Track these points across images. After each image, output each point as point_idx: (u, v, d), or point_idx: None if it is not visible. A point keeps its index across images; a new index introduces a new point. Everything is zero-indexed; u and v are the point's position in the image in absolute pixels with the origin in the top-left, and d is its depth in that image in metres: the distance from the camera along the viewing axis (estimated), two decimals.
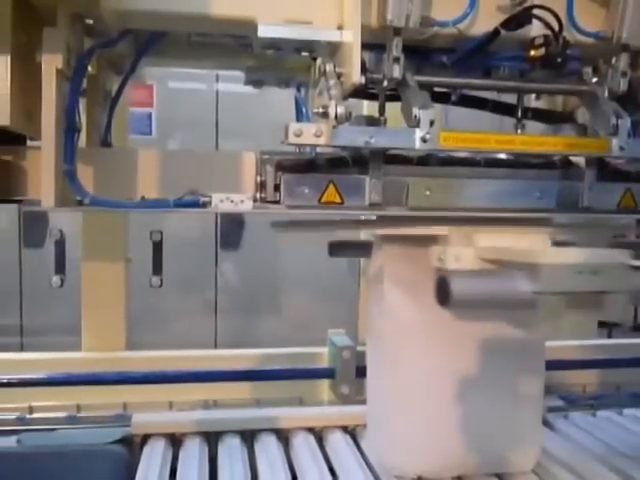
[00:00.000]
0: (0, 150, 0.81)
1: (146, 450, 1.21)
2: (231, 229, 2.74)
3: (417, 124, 0.77)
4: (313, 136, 0.75)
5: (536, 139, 0.86)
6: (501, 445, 1.03)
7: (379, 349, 1.07)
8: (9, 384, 1.56)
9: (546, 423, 1.27)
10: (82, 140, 0.87)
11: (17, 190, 0.83)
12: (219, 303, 2.81)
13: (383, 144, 0.78)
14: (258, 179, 0.86)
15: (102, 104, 0.97)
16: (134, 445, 1.23)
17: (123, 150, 1.05)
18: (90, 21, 0.81)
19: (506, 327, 0.97)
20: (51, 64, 0.75)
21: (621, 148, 0.84)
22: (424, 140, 0.76)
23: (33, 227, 2.61)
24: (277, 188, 0.85)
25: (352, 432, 1.31)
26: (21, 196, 0.83)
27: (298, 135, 0.75)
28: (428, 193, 0.87)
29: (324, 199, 0.84)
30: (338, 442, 1.26)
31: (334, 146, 0.79)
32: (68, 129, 0.78)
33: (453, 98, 0.89)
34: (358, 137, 0.77)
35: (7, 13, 0.74)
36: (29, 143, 0.87)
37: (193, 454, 1.20)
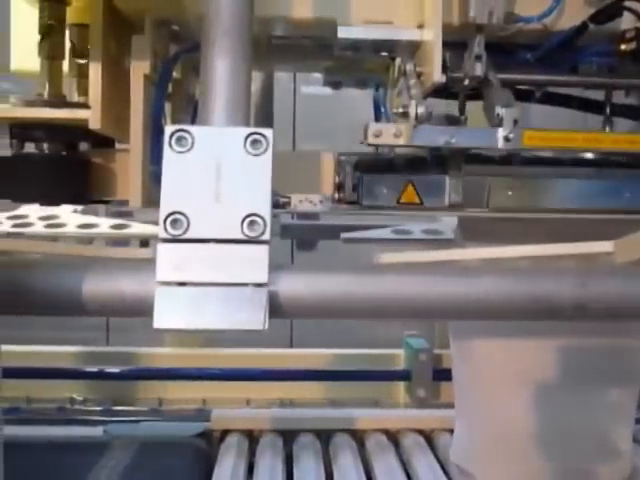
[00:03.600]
0: (92, 153, 0.85)
1: (224, 445, 1.24)
2: None
3: (500, 123, 0.75)
4: (392, 136, 0.74)
5: (626, 137, 0.82)
6: (586, 457, 0.99)
7: (463, 352, 1.05)
8: (96, 376, 1.63)
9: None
10: None
11: (106, 191, 0.87)
12: None
13: (464, 144, 0.77)
14: (336, 179, 0.87)
15: (186, 108, 1.00)
16: (213, 440, 1.26)
17: None
18: (175, 27, 0.83)
19: (593, 328, 0.93)
20: (139, 70, 0.77)
21: None
22: (507, 139, 0.74)
23: None
24: (355, 188, 0.85)
25: (428, 436, 1.29)
26: (110, 197, 0.87)
27: (377, 135, 0.74)
28: (510, 193, 0.85)
29: (403, 199, 0.83)
30: (413, 445, 1.25)
31: (413, 146, 0.79)
32: (154, 132, 0.80)
33: (537, 95, 0.87)
34: (438, 137, 0.76)
35: (98, 23, 0.77)
36: (116, 146, 0.90)
37: (270, 451, 1.22)
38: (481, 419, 1.02)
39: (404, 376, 1.65)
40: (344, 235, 1.02)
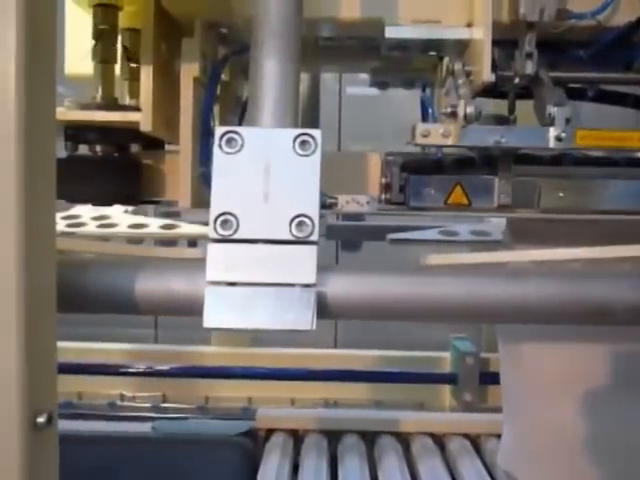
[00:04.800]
0: (142, 154, 0.87)
1: (269, 444, 1.25)
2: None
3: (551, 122, 0.73)
4: (441, 136, 0.73)
5: None
6: (634, 469, 0.96)
7: (512, 355, 1.03)
8: (145, 374, 1.67)
9: None
10: None
11: (156, 192, 0.88)
12: None
13: (515, 144, 0.75)
14: (383, 180, 0.86)
15: (234, 110, 1.01)
16: (258, 438, 1.28)
17: None
18: (224, 30, 0.84)
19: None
20: (189, 73, 0.78)
21: None
22: (559, 139, 0.73)
23: None
24: (402, 189, 0.84)
25: (475, 440, 1.28)
26: (160, 197, 0.89)
27: (426, 135, 0.74)
28: (562, 195, 0.83)
29: (451, 200, 0.82)
30: (459, 449, 1.24)
31: (462, 146, 0.78)
32: (203, 134, 0.81)
33: (590, 94, 0.85)
34: (488, 137, 0.74)
35: (149, 27, 0.79)
36: (166, 147, 0.92)
37: (314, 451, 1.22)
38: (530, 424, 1.00)
39: (450, 379, 1.63)
40: (390, 236, 1.02)
